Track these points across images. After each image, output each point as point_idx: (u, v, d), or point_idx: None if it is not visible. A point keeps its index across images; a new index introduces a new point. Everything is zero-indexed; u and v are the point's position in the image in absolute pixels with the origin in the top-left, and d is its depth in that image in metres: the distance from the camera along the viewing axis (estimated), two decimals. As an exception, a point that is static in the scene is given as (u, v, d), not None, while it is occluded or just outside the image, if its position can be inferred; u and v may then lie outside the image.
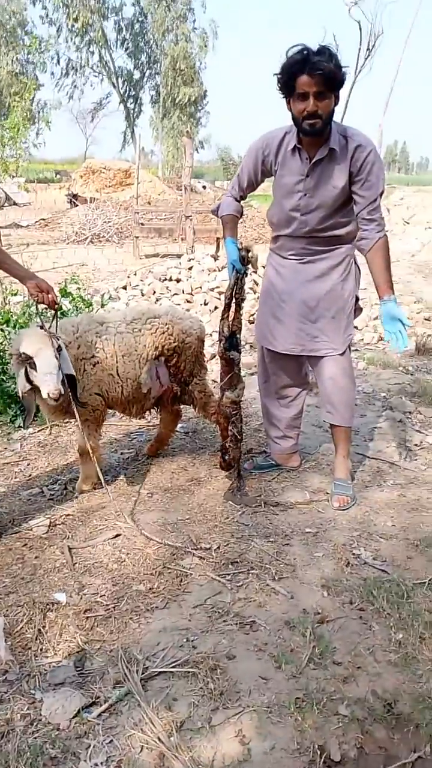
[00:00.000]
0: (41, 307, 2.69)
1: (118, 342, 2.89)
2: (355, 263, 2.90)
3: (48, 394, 2.50)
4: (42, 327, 2.59)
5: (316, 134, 2.54)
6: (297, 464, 3.29)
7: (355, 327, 5.94)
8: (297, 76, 2.43)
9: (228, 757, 1.62)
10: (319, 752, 1.63)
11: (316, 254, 2.82)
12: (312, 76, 2.39)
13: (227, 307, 2.82)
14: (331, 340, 2.87)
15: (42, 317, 2.70)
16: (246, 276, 2.83)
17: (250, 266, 2.82)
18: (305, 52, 2.40)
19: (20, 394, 2.70)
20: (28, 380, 2.62)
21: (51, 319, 2.68)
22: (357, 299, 2.95)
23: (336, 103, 2.53)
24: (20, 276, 2.58)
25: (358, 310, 2.98)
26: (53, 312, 2.66)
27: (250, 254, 2.80)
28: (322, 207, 2.69)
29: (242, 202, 2.97)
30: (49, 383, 2.49)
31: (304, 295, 2.86)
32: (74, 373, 2.66)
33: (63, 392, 2.54)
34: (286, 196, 2.74)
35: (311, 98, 2.44)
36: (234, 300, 2.80)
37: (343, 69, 2.45)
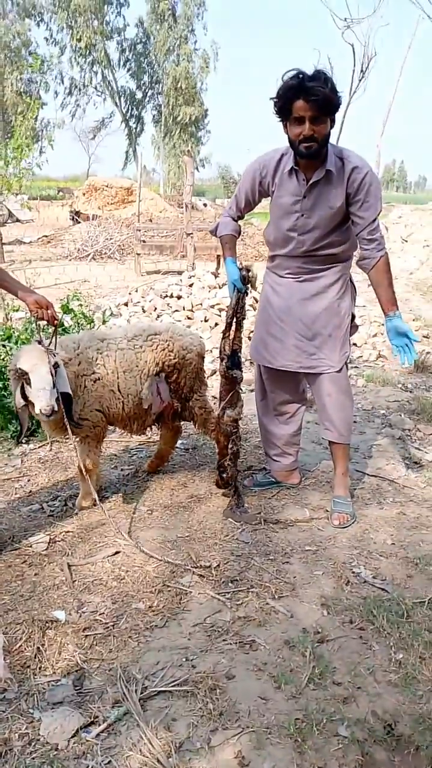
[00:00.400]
0: (42, 323, 2.71)
1: (119, 358, 2.91)
2: (351, 281, 2.93)
3: (40, 410, 2.51)
4: (40, 343, 2.61)
5: (312, 157, 2.58)
6: (297, 481, 3.30)
7: (354, 344, 5.99)
8: (293, 101, 2.47)
9: (227, 778, 1.61)
10: (319, 774, 1.61)
11: (312, 273, 2.85)
12: (307, 101, 2.44)
13: (228, 326, 2.84)
14: (328, 358, 2.90)
15: (42, 333, 2.73)
16: (247, 295, 2.86)
17: (250, 285, 2.86)
18: (300, 76, 2.44)
19: (15, 410, 2.72)
20: (24, 396, 2.64)
21: (51, 335, 2.70)
22: (353, 317, 2.98)
23: (332, 126, 2.57)
24: (20, 293, 2.60)
25: (354, 327, 3.01)
26: (53, 328, 2.69)
27: (250, 273, 2.83)
28: (318, 227, 2.72)
29: (240, 221, 3.01)
30: (42, 399, 2.51)
31: (300, 313, 2.88)
32: (70, 392, 2.67)
33: (56, 409, 2.55)
34: (283, 216, 2.77)
35: (307, 122, 2.48)
36: (235, 319, 2.83)
37: (339, 93, 2.50)
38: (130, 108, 44.05)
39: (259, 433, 3.38)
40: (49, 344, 2.64)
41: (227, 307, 2.88)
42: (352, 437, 3.10)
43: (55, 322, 2.68)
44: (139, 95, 43.63)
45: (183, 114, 39.98)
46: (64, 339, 2.94)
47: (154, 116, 44.00)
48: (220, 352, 2.88)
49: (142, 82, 42.96)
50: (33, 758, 1.66)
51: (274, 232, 2.87)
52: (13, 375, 2.65)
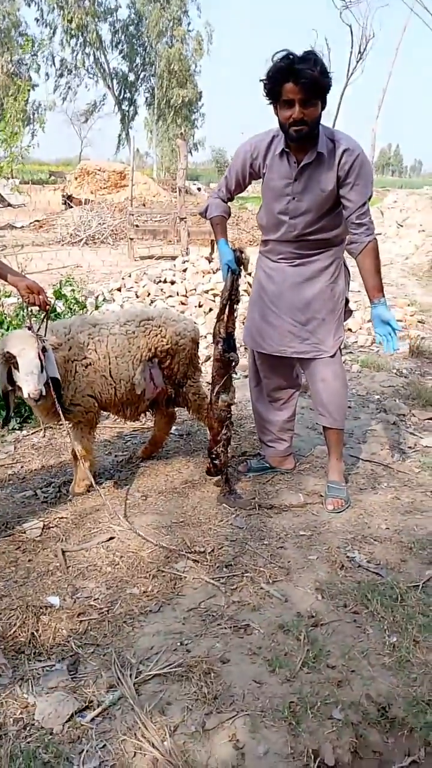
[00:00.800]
0: (33, 309, 2.69)
1: (111, 343, 2.88)
2: (345, 265, 2.91)
3: (28, 394, 2.50)
4: (30, 328, 2.59)
5: (302, 140, 2.54)
6: (291, 466, 3.29)
7: (349, 329, 5.97)
8: (282, 84, 2.42)
9: (222, 761, 1.61)
10: (313, 757, 1.62)
11: (305, 257, 2.82)
12: (297, 83, 2.38)
13: (223, 308, 2.82)
14: (322, 342, 2.88)
15: (32, 318, 2.71)
16: (240, 277, 2.84)
17: (243, 267, 2.83)
18: (290, 58, 2.39)
19: (1, 393, 2.70)
20: (10, 380, 2.62)
21: (42, 320, 2.68)
22: (347, 301, 2.96)
23: (323, 108, 2.53)
24: (11, 278, 2.58)
25: (348, 312, 3.00)
26: (45, 313, 2.67)
27: (243, 255, 2.81)
28: (310, 211, 2.69)
29: (231, 203, 2.97)
30: (29, 383, 2.49)
31: (293, 298, 2.86)
32: (58, 376, 2.65)
33: (44, 393, 2.54)
34: (275, 199, 2.74)
35: (297, 105, 2.44)
36: (230, 301, 2.80)
37: (329, 75, 2.44)
38: (122, 91, 43.49)
39: (253, 418, 3.37)
40: (39, 329, 2.62)
41: (222, 290, 2.86)
42: (346, 423, 3.09)
43: (47, 307, 2.66)
44: (131, 77, 43.07)
45: (176, 96, 39.52)
46: (55, 324, 2.91)
47: (146, 99, 43.49)
48: (215, 335, 2.86)
49: (134, 64, 42.40)
50: (28, 742, 1.66)
51: (266, 215, 2.84)
52: (0, 359, 2.63)
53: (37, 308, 2.64)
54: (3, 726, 1.71)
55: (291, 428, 3.25)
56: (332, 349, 2.88)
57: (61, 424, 2.82)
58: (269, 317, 2.94)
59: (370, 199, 2.67)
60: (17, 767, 1.58)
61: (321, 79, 2.40)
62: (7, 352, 2.54)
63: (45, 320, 2.69)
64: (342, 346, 2.98)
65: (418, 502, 2.99)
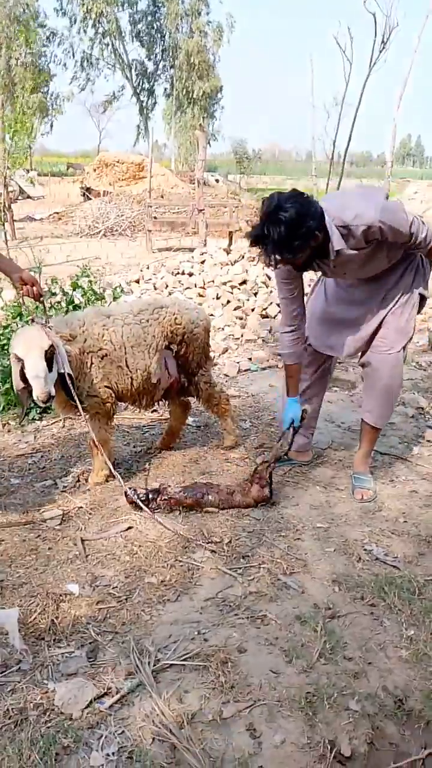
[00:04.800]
0: (40, 302, 2.76)
1: (125, 333, 2.89)
2: (422, 261, 2.76)
3: (37, 397, 2.55)
4: (32, 320, 2.66)
5: (301, 270, 2.62)
6: (308, 459, 3.29)
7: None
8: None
9: (239, 749, 1.63)
10: (329, 747, 1.63)
11: (376, 278, 2.76)
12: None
13: (274, 459, 2.91)
14: (389, 338, 2.78)
15: (37, 312, 2.76)
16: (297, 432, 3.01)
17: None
18: (253, 242, 2.39)
19: (15, 391, 2.74)
20: (23, 379, 2.65)
21: (41, 312, 2.75)
22: (423, 297, 2.81)
23: (315, 242, 2.41)
24: (5, 268, 2.61)
25: (422, 301, 2.85)
26: (41, 305, 2.77)
27: (305, 413, 2.94)
28: (364, 270, 2.66)
29: (296, 315, 2.82)
30: (36, 387, 2.54)
31: (368, 304, 2.79)
32: (70, 371, 2.67)
33: (53, 393, 2.57)
34: (326, 285, 2.84)
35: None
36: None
37: (295, 243, 2.33)
38: (141, 81, 43.35)
39: (278, 410, 3.35)
40: (46, 322, 2.67)
41: (277, 444, 3.00)
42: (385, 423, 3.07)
43: (41, 299, 2.70)
44: (150, 68, 42.90)
45: (197, 89, 39.28)
46: (69, 316, 2.94)
47: (165, 89, 43.30)
48: (260, 476, 2.85)
49: (153, 54, 42.19)
50: (48, 727, 1.69)
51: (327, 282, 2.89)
52: (12, 358, 2.66)
53: (33, 300, 2.71)
54: (24, 711, 1.74)
55: (314, 425, 3.25)
56: (399, 345, 2.78)
57: (80, 415, 2.84)
58: (341, 323, 2.87)
59: (412, 235, 2.52)
60: (38, 751, 1.60)
61: (288, 256, 2.37)
62: (15, 354, 2.58)
63: (45, 312, 2.78)
64: (406, 344, 2.86)
65: (437, 496, 2.97)
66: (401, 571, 2.38)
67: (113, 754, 1.61)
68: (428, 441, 3.59)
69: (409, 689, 1.84)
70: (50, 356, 2.55)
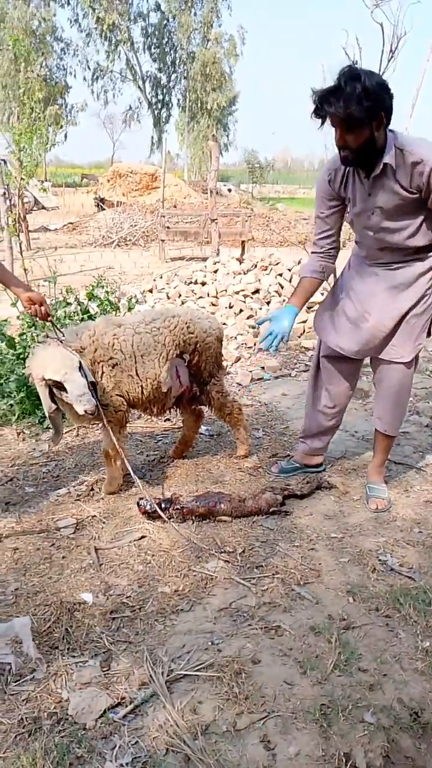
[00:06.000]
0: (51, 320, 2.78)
1: (136, 342, 2.91)
2: None
3: (85, 411, 2.58)
4: (60, 341, 2.70)
5: (348, 165, 2.48)
6: (318, 462, 3.28)
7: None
8: (323, 107, 2.32)
9: (253, 761, 1.62)
10: (344, 760, 1.61)
11: (402, 262, 2.68)
12: (332, 116, 2.32)
13: None
14: (401, 346, 2.74)
15: (53, 330, 2.79)
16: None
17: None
18: (320, 96, 2.30)
19: (46, 414, 2.75)
20: (53, 400, 2.67)
21: (51, 329, 2.78)
22: None
23: (382, 126, 2.36)
24: (13, 288, 2.62)
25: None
26: (50, 324, 2.78)
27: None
28: (391, 224, 2.57)
29: (335, 252, 2.83)
30: (84, 403, 2.57)
31: (387, 300, 2.72)
32: (94, 380, 2.72)
33: (96, 404, 2.61)
34: (356, 217, 2.66)
35: (338, 130, 2.36)
36: None
37: (376, 95, 2.27)
38: (155, 93, 43.77)
39: (305, 414, 3.30)
40: (55, 335, 2.74)
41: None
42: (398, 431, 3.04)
43: (48, 318, 2.71)
44: (164, 80, 43.32)
45: (210, 101, 39.57)
46: (80, 327, 2.96)
47: (179, 101, 43.70)
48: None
49: (166, 65, 42.62)
50: (62, 737, 1.69)
51: (355, 227, 2.75)
52: (38, 381, 2.66)
53: (40, 319, 2.72)
54: (38, 720, 1.74)
55: (332, 434, 3.24)
56: (409, 355, 2.74)
57: (95, 424, 2.86)
58: (355, 318, 2.81)
59: None
60: (51, 761, 1.61)
61: (354, 111, 2.26)
62: (51, 380, 2.59)
63: (54, 329, 2.80)
64: (420, 353, 2.83)
65: (452, 506, 2.94)
66: (416, 582, 2.36)
67: (127, 764, 1.61)
68: (443, 450, 3.56)
69: (425, 702, 1.81)
70: (85, 375, 2.60)
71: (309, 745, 1.67)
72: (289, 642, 2.06)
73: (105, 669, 1.95)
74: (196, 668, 1.93)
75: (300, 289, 2.84)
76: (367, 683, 1.88)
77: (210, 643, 2.05)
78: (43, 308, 2.64)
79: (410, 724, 1.74)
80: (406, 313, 2.71)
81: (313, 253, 2.87)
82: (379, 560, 2.51)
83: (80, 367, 2.61)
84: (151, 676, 1.90)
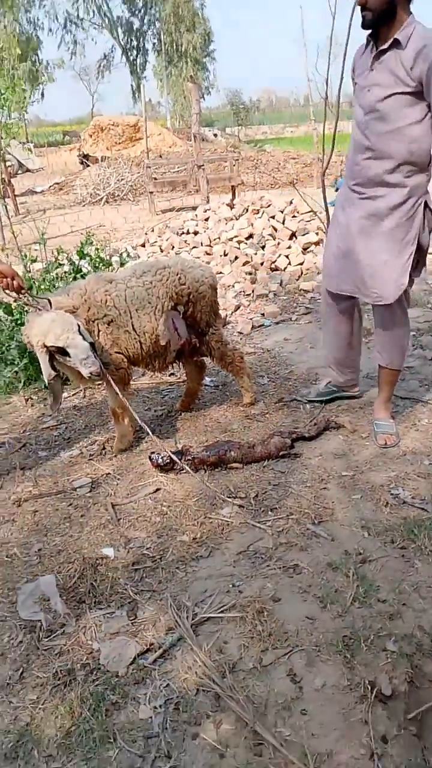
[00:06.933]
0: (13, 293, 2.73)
1: (129, 297, 2.87)
2: (428, 208, 2.65)
3: (91, 374, 2.57)
4: (40, 309, 2.68)
5: (366, 28, 2.50)
6: (356, 390, 3.33)
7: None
8: None
9: (281, 695, 1.68)
10: (370, 687, 1.67)
11: (376, 186, 2.63)
12: None
13: None
14: (380, 288, 2.72)
15: (31, 301, 2.75)
16: None
17: None
18: None
19: (45, 382, 2.73)
20: (53, 367, 2.65)
21: (25, 302, 2.77)
22: (422, 248, 2.71)
23: None
24: None
25: (422, 261, 2.77)
26: (26, 297, 2.74)
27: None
28: (383, 104, 2.50)
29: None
30: (90, 365, 2.56)
31: (358, 235, 2.71)
32: (93, 340, 2.71)
33: (100, 364, 2.60)
34: (358, 94, 2.65)
35: None
36: None
37: None
38: (128, 39, 41.97)
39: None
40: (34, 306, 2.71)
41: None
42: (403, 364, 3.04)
43: (22, 291, 2.68)
44: (136, 23, 41.47)
45: (185, 42, 37.94)
46: (71, 286, 2.91)
47: (154, 45, 41.92)
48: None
49: (137, 9, 40.72)
50: (96, 686, 1.75)
51: (354, 112, 2.70)
52: (38, 348, 2.64)
53: (14, 293, 2.67)
54: (72, 672, 1.80)
55: (354, 367, 3.26)
56: (391, 296, 2.71)
57: (99, 383, 2.86)
58: (336, 252, 2.85)
59: None
60: (88, 708, 1.67)
61: None
62: (53, 347, 2.56)
63: (32, 299, 2.76)
64: (405, 292, 2.78)
65: (461, 436, 2.95)
66: (429, 513, 2.39)
67: (160, 706, 1.67)
68: (449, 382, 3.55)
69: (445, 626, 1.86)
70: (85, 337, 2.59)
71: (334, 675, 1.73)
72: (308, 579, 2.10)
73: (132, 618, 2.00)
74: (220, 610, 1.98)
75: None
76: (387, 613, 1.93)
77: (231, 586, 2.10)
78: (15, 281, 2.60)
79: None
80: (383, 253, 2.67)
81: None
82: (391, 494, 2.54)
83: (79, 330, 2.59)
84: (176, 621, 1.95)
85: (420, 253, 2.73)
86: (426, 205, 2.64)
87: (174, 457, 2.73)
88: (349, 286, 2.86)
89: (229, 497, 2.58)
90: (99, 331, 2.84)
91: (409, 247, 2.67)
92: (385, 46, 2.46)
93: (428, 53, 2.35)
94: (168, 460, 2.75)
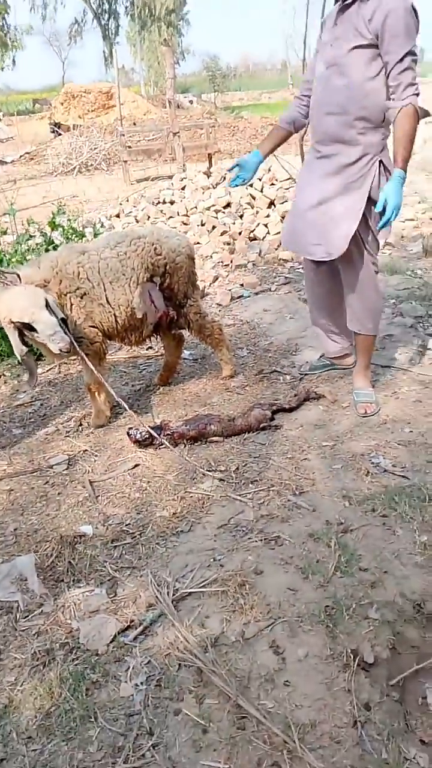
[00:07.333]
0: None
1: (103, 269, 2.78)
2: (384, 167, 2.60)
3: (60, 350, 2.50)
4: (7, 284, 2.59)
5: None
6: (351, 363, 3.26)
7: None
8: None
9: (264, 667, 1.66)
10: (352, 656, 1.66)
11: (333, 143, 2.60)
12: None
13: None
14: (328, 242, 2.67)
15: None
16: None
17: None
18: None
19: (18, 358, 2.65)
20: (24, 342, 2.57)
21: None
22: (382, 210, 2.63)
23: None
24: None
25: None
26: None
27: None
28: (343, 59, 2.49)
29: (306, 89, 2.81)
30: (58, 341, 2.48)
31: (312, 192, 2.70)
32: (64, 316, 2.62)
33: (71, 340, 2.52)
34: (320, 49, 2.61)
35: None
36: None
37: None
38: (101, 2, 40.59)
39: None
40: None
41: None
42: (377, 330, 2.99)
43: None
44: (107, -15, 40.08)
45: (159, 5, 36.82)
46: (42, 258, 2.81)
47: (127, 8, 40.64)
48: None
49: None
50: (76, 665, 1.72)
51: (315, 68, 2.67)
52: (6, 324, 2.55)
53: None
54: (51, 651, 1.77)
55: (344, 335, 3.19)
56: (336, 251, 2.66)
57: (74, 358, 2.79)
58: (295, 213, 2.83)
59: (412, 55, 2.39)
60: (68, 688, 1.64)
61: None
62: (19, 322, 2.48)
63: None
64: (367, 248, 2.75)
65: (441, 403, 2.94)
66: (410, 480, 2.38)
67: (142, 683, 1.65)
68: (429, 350, 3.53)
69: (427, 593, 1.86)
70: (54, 312, 2.51)
71: (317, 645, 1.72)
72: (290, 550, 2.08)
73: (111, 595, 1.97)
74: (201, 585, 1.96)
75: (268, 137, 2.94)
76: (369, 581, 1.92)
77: (212, 560, 2.07)
78: None
79: (414, 615, 1.79)
80: (332, 210, 2.64)
81: (295, 98, 2.88)
82: (372, 463, 2.53)
83: (47, 305, 2.50)
84: (157, 597, 1.93)
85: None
86: (381, 164, 2.61)
87: (153, 432, 2.68)
88: (299, 245, 2.82)
89: (209, 471, 2.55)
90: (72, 304, 2.75)
91: (359, 203, 2.62)
92: (349, 1, 2.44)
93: (386, 5, 2.34)
94: (146, 436, 2.70)
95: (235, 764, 1.44)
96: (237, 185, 2.94)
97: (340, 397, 3.07)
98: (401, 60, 2.38)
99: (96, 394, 2.93)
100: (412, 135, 2.44)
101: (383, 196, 2.43)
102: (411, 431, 2.73)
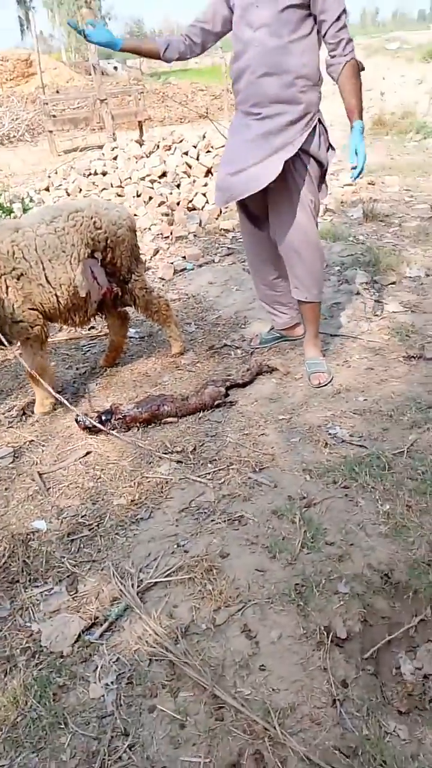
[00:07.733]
0: None
1: (40, 246, 2.61)
2: (322, 124, 2.63)
3: None
4: None
5: None
6: (300, 334, 3.20)
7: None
8: None
9: (237, 653, 1.62)
10: (325, 633, 1.64)
11: (273, 104, 2.54)
12: None
13: None
14: (268, 171, 2.58)
15: None
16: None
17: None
18: None
19: None
20: None
21: None
22: (322, 166, 2.71)
23: None
24: None
25: (322, 180, 2.76)
26: None
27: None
28: (272, 19, 2.44)
29: (198, 50, 2.72)
30: None
31: (250, 151, 2.60)
32: None
33: None
34: (242, 13, 2.51)
35: None
36: None
37: None
38: (11, -40, 38.33)
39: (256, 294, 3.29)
40: None
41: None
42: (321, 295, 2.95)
43: None
44: None
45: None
46: None
47: (40, -32, 38.59)
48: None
49: None
50: (39, 670, 1.63)
51: (234, 42, 2.58)
52: None
53: None
54: (11, 658, 1.67)
55: (285, 302, 3.14)
56: (273, 174, 2.58)
57: (5, 348, 2.63)
58: (230, 168, 2.69)
59: (345, 13, 2.43)
60: (33, 696, 1.55)
61: None
62: None
63: None
64: (311, 203, 2.72)
65: (393, 369, 2.95)
66: (369, 449, 2.37)
67: (112, 683, 1.57)
68: (376, 315, 3.53)
69: (394, 562, 1.85)
70: None
71: (289, 626, 1.68)
72: (254, 530, 2.04)
73: (72, 592, 1.88)
74: (166, 573, 1.89)
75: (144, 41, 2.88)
76: (336, 555, 1.90)
77: (176, 546, 2.01)
78: None
79: (382, 586, 1.78)
80: (272, 162, 2.58)
81: (181, 34, 2.75)
82: (330, 434, 2.50)
83: None
84: (121, 590, 1.85)
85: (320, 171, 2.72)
86: (320, 122, 2.64)
87: (98, 425, 2.56)
88: (236, 191, 2.70)
89: (165, 453, 2.46)
90: (7, 287, 2.57)
91: (297, 143, 2.58)
92: None
93: None
94: (97, 422, 2.59)
95: (216, 757, 1.40)
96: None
97: (293, 369, 3.03)
98: (338, 18, 2.42)
99: (39, 380, 2.78)
100: (360, 87, 2.50)
101: (353, 147, 2.51)
102: (365, 399, 2.73)
